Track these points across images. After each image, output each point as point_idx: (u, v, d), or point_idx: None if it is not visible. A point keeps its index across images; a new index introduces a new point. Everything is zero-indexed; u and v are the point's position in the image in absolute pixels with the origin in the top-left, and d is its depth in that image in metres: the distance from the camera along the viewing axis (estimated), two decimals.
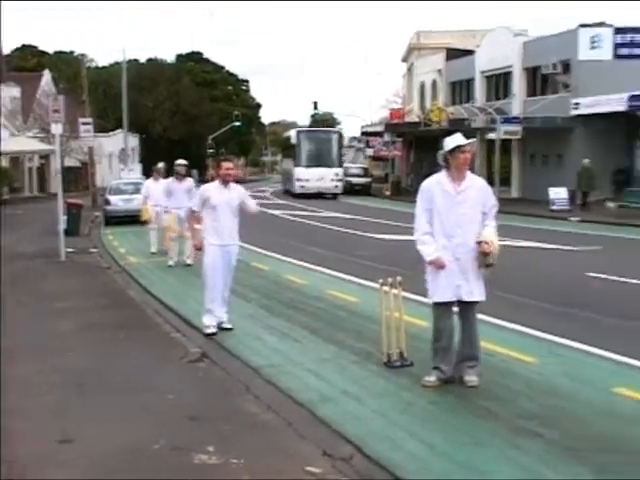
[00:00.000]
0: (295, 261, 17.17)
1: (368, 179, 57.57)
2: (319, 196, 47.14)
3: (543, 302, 11.91)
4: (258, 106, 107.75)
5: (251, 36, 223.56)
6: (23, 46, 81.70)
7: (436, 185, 7.51)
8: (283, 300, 12.43)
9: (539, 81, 42.54)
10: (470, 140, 7.56)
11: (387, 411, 6.85)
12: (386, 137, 59.89)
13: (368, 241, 22.08)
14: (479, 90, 48.81)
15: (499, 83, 47.21)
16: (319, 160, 48.99)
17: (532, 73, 43.10)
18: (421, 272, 7.77)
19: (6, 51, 62.31)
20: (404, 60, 67.98)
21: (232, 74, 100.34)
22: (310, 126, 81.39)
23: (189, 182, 16.83)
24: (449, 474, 5.47)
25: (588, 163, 32.85)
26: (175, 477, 5.33)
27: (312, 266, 16.29)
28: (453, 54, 52.86)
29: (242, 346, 9.36)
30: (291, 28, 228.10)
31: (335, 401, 7.16)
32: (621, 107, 33.39)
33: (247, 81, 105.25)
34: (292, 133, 54.31)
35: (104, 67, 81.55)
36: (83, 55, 59.32)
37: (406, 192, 48.15)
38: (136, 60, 79.54)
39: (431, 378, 7.52)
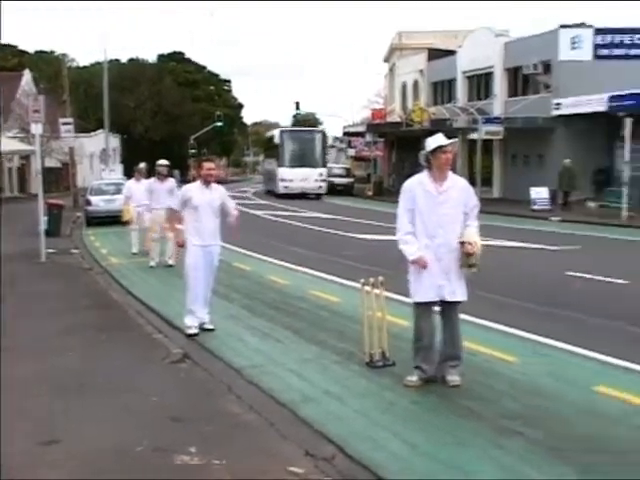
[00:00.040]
0: (277, 261, 17.16)
1: (350, 179, 57.58)
2: (302, 196, 46.96)
3: (526, 302, 11.96)
4: (240, 106, 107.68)
5: (233, 36, 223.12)
6: (3, 45, 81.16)
7: (418, 185, 7.52)
8: (265, 300, 12.42)
9: (520, 81, 42.72)
10: (452, 140, 7.57)
11: (369, 411, 6.85)
12: (368, 137, 59.91)
13: (350, 241, 22.08)
14: (461, 90, 48.95)
15: (481, 83, 47.37)
16: (303, 160, 48.70)
17: (513, 73, 43.28)
18: (403, 272, 7.77)
19: None
20: (386, 60, 68.10)
21: (214, 74, 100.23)
22: (292, 126, 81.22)
23: (171, 182, 16.79)
24: (432, 474, 5.48)
25: (569, 163, 33.06)
26: (157, 478, 5.31)
27: (294, 266, 16.29)
28: (435, 54, 52.99)
29: (224, 347, 9.34)
30: (273, 28, 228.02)
31: (317, 401, 7.15)
32: (601, 107, 33.57)
33: (229, 81, 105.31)
34: (275, 133, 53.92)
35: (85, 67, 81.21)
36: (64, 55, 58.82)
37: (388, 192, 48.20)
38: (117, 60, 79.32)
39: (413, 378, 7.53)
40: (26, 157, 54.24)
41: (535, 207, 33.47)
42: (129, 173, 33.28)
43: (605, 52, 38.31)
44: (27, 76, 60.25)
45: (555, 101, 37.82)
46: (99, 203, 29.07)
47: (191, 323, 9.99)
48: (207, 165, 10.18)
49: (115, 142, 67.84)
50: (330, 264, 16.54)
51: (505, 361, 8.40)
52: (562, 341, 9.15)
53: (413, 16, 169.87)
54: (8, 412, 6.63)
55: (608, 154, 35.60)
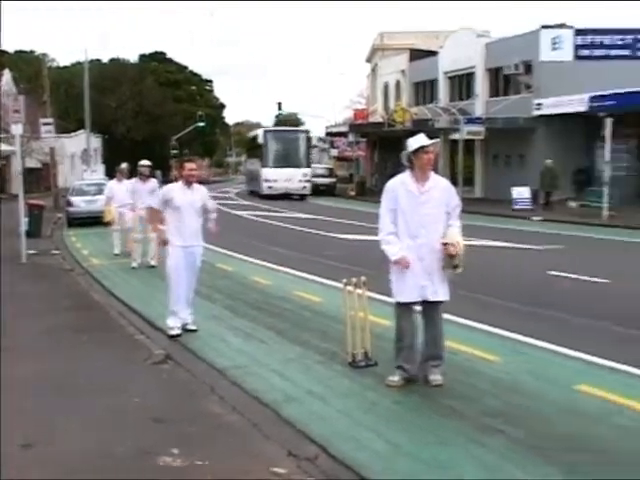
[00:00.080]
0: (260, 262, 17.15)
1: (333, 179, 57.55)
2: (286, 197, 46.74)
3: (508, 301, 12.01)
4: (222, 106, 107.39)
5: (215, 36, 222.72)
6: None
7: (400, 185, 7.53)
8: (248, 301, 12.41)
9: (502, 82, 42.89)
10: (433, 140, 7.58)
11: (352, 411, 6.86)
12: (350, 137, 60.02)
13: (332, 241, 22.10)
14: (442, 91, 49.08)
15: (462, 84, 47.52)
16: (287, 160, 48.30)
17: (495, 74, 43.44)
18: (385, 272, 7.79)
19: None
20: (368, 61, 68.21)
21: (196, 74, 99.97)
22: (275, 126, 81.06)
23: (153, 183, 16.76)
24: (414, 473, 5.49)
25: (551, 163, 33.25)
26: (140, 479, 5.30)
27: (277, 266, 16.28)
28: (416, 55, 53.09)
29: (207, 347, 9.32)
30: (254, 28, 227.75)
31: (300, 401, 7.15)
32: (582, 108, 33.76)
33: (211, 81, 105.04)
34: (259, 133, 53.45)
35: (66, 67, 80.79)
36: (44, 55, 58.46)
37: (370, 192, 48.24)
38: (98, 60, 78.97)
39: (395, 378, 7.55)
40: (6, 157, 53.86)
41: (516, 207, 33.64)
42: (111, 173, 33.16)
43: (585, 53, 38.55)
44: (7, 76, 59.78)
45: (536, 101, 38.01)
46: (80, 204, 28.95)
47: (173, 324, 9.97)
48: (189, 166, 10.17)
49: (96, 142, 67.54)
50: (312, 264, 16.55)
51: (487, 360, 8.43)
52: (544, 340, 9.20)
53: (395, 16, 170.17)
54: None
55: (588, 154, 35.81)
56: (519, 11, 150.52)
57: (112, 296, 13.32)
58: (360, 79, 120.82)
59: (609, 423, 6.43)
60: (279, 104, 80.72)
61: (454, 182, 11.03)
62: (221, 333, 10.11)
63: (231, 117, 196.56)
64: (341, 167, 73.35)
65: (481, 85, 44.43)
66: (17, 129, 18.12)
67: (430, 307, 7.58)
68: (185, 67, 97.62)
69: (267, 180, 48.02)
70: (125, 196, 17.66)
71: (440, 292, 7.53)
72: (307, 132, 53.71)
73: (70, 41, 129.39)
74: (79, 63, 66.34)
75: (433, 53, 50.46)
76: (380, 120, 52.43)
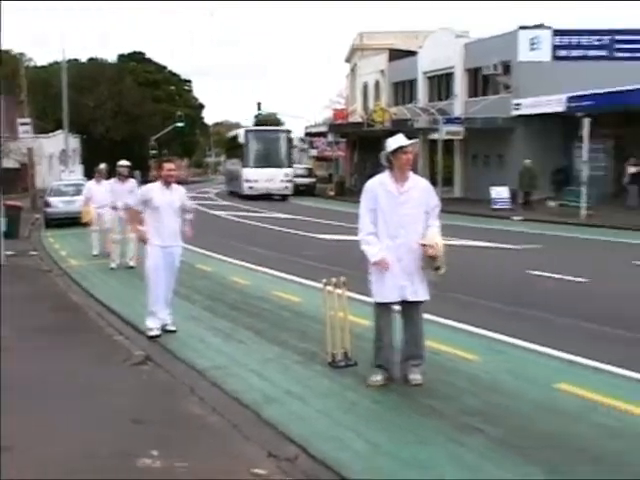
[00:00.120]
0: (238, 262, 17.12)
1: (312, 179, 57.51)
2: (267, 197, 46.47)
3: (488, 300, 12.05)
4: (201, 107, 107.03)
5: (193, 35, 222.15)
6: None
7: (379, 185, 7.53)
8: (227, 301, 12.39)
9: (480, 82, 43.06)
10: (412, 141, 7.60)
11: (331, 411, 6.86)
12: (330, 137, 59.97)
13: (310, 241, 22.10)
14: (422, 91, 49.21)
15: (441, 84, 47.67)
16: (268, 160, 47.84)
17: (473, 74, 43.61)
18: (364, 272, 7.79)
19: None
20: (347, 61, 68.28)
21: (175, 74, 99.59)
22: (254, 126, 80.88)
23: (131, 183, 16.70)
24: (394, 473, 5.50)
25: (530, 163, 33.44)
26: None
27: (255, 267, 16.26)
28: (396, 55, 53.21)
29: (186, 348, 9.29)
30: (233, 28, 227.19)
31: (280, 402, 7.15)
32: (560, 108, 33.98)
33: (190, 81, 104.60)
34: (240, 132, 53.12)
35: (43, 66, 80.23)
36: (21, 54, 58.25)
37: (350, 192, 48.30)
38: (76, 60, 78.44)
39: (377, 377, 7.54)
40: None
41: (495, 207, 33.78)
42: (89, 174, 32.97)
43: (563, 53, 38.80)
44: None
45: (515, 101, 38.20)
46: (58, 204, 28.81)
47: (153, 325, 9.94)
48: (167, 166, 10.14)
49: (75, 143, 67.05)
50: (290, 264, 16.55)
51: (467, 360, 8.46)
52: (523, 339, 9.24)
53: (374, 16, 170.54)
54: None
55: (566, 154, 36.03)
56: (498, 12, 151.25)
57: (91, 297, 13.26)
58: (339, 79, 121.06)
59: (589, 421, 6.47)
60: (258, 104, 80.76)
61: (433, 182, 11.08)
62: (200, 334, 10.08)
63: (210, 117, 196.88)
64: (320, 167, 73.29)
65: (460, 85, 44.58)
66: None
67: (410, 307, 7.59)
68: (164, 67, 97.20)
69: (248, 180, 47.61)
70: (104, 197, 17.60)
71: (420, 292, 7.54)
72: (289, 132, 53.29)
73: (48, 41, 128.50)
74: (57, 63, 65.90)
75: (412, 53, 50.58)
76: (359, 120, 52.46)
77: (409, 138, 7.56)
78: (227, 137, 70.62)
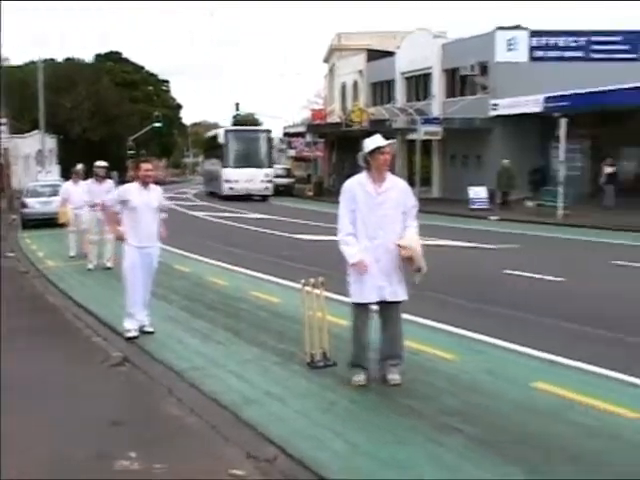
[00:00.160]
0: (217, 262, 17.08)
1: (291, 180, 57.50)
2: (247, 198, 46.17)
3: (465, 300, 12.10)
4: (179, 107, 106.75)
5: (170, 35, 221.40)
6: None
7: (357, 186, 7.53)
8: (205, 302, 12.35)
9: (458, 82, 43.21)
10: (389, 141, 7.60)
11: (310, 411, 6.85)
12: (308, 138, 59.93)
13: (288, 241, 22.08)
14: (399, 91, 49.35)
15: (419, 84, 47.81)
16: (248, 160, 47.38)
17: (451, 74, 43.77)
18: (342, 272, 7.79)
19: None
20: (325, 61, 68.32)
21: (152, 74, 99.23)
22: (233, 126, 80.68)
23: (109, 184, 16.63)
24: (373, 473, 5.50)
25: (508, 163, 33.64)
26: None
27: (234, 267, 16.23)
28: (374, 55, 53.31)
29: (164, 349, 9.26)
30: (209, 28, 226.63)
31: (259, 402, 7.13)
32: (537, 108, 34.18)
33: (167, 81, 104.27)
34: (220, 132, 52.59)
35: (19, 66, 79.62)
36: None
37: (328, 192, 48.32)
38: (52, 59, 77.94)
39: (359, 377, 7.53)
40: None
41: (474, 207, 33.93)
42: (66, 175, 32.80)
43: (540, 54, 39.04)
44: None
45: (492, 102, 38.39)
46: (35, 205, 28.65)
47: (130, 326, 9.89)
48: (145, 166, 10.10)
49: (51, 143, 66.65)
50: (268, 264, 16.53)
51: (445, 359, 8.48)
52: (503, 339, 9.27)
53: (352, 17, 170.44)
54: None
55: (543, 154, 36.23)
56: (475, 12, 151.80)
57: (68, 298, 13.17)
58: (318, 79, 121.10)
59: (567, 420, 6.50)
60: (237, 104, 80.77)
61: (412, 182, 11.11)
62: (178, 334, 10.04)
63: (188, 117, 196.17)
64: (299, 167, 73.31)
65: (438, 86, 44.73)
66: None
67: (389, 307, 7.59)
68: (142, 67, 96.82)
69: (228, 181, 47.22)
70: (81, 197, 17.52)
71: (399, 292, 7.55)
72: (269, 132, 52.66)
73: (24, 40, 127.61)
74: (33, 62, 65.47)
75: (390, 54, 50.69)
76: (338, 120, 52.51)
77: (387, 138, 7.57)
78: (205, 137, 70.36)
